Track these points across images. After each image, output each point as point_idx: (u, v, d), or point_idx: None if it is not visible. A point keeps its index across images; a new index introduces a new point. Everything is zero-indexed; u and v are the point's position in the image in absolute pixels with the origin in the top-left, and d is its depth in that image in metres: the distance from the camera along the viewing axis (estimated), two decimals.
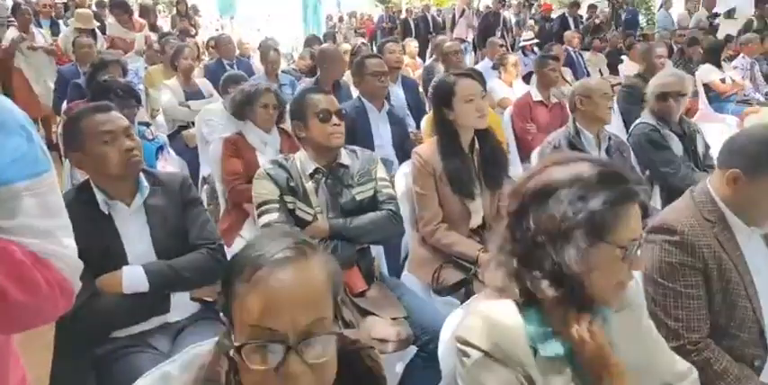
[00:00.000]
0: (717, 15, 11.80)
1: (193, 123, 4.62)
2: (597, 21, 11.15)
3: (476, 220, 2.51)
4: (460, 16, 11.57)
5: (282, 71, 5.73)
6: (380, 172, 2.31)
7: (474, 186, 2.46)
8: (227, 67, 6.06)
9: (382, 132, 3.48)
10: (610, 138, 2.98)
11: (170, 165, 2.97)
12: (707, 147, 3.19)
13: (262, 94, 3.14)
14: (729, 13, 11.76)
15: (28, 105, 6.10)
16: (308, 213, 2.17)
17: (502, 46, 6.85)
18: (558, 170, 1.19)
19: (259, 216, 2.13)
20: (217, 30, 17.56)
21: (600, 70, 8.76)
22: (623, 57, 8.21)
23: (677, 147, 3.12)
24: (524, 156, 4.14)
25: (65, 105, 4.52)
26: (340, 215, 2.19)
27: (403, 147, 3.71)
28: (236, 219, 3.07)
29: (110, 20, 6.81)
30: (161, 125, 4.84)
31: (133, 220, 1.89)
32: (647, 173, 3.17)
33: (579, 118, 2.96)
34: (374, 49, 7.75)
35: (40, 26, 6.64)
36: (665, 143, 3.09)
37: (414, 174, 2.48)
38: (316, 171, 2.19)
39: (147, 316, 1.86)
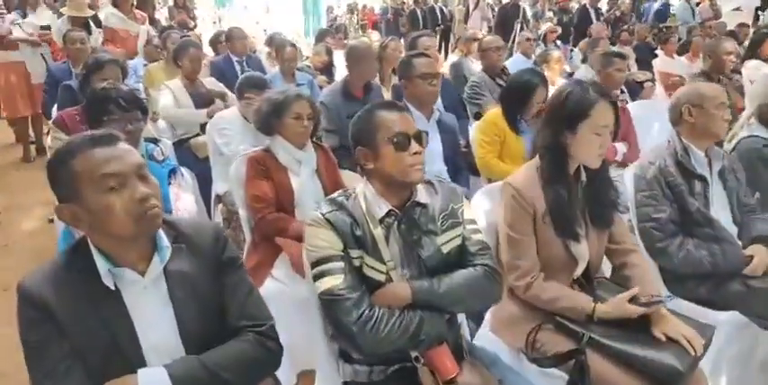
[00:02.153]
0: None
1: (202, 130, 4.07)
2: (618, 12, 10.60)
3: (581, 268, 1.98)
4: (474, 8, 11.00)
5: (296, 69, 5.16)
6: (468, 211, 1.77)
7: (579, 225, 1.93)
8: (236, 64, 5.51)
9: (432, 145, 2.93)
10: (723, 157, 2.44)
11: (184, 191, 2.42)
12: None
13: (293, 102, 2.58)
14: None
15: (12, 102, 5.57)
16: (380, 271, 1.62)
17: (528, 40, 6.26)
18: None
19: (316, 278, 1.58)
20: (214, 22, 16.97)
21: (628, 66, 8.21)
22: (657, 51, 7.62)
23: None
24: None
25: (55, 110, 3.95)
26: (419, 272, 1.65)
27: (454, 162, 3.18)
28: (265, 255, 2.52)
29: (109, 9, 6.16)
30: (163, 130, 4.27)
31: (149, 296, 1.35)
32: (757, 196, 2.63)
33: (686, 132, 2.41)
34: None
35: (25, 17, 6.01)
36: None
37: (505, 212, 1.93)
38: (387, 214, 1.65)
39: None
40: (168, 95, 4.14)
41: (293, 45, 4.77)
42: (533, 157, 2.02)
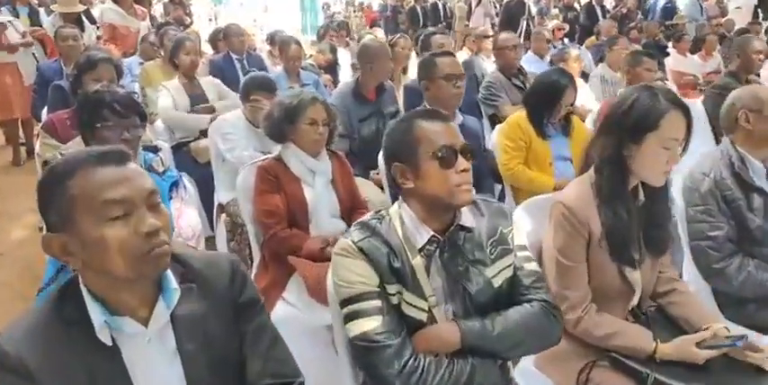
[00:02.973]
0: None
1: (203, 133, 3.82)
2: (624, 9, 10.37)
3: (636, 298, 1.75)
4: (477, 5, 10.75)
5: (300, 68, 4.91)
6: (518, 235, 1.54)
7: (635, 250, 1.70)
8: (237, 63, 5.25)
9: None
10: None
11: (188, 206, 2.17)
12: None
13: (307, 106, 2.34)
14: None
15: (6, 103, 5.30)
16: (421, 309, 1.39)
17: (542, 37, 6.01)
18: None
19: (348, 319, 1.35)
20: (210, 20, 16.69)
21: None
22: (669, 50, 7.42)
23: None
24: None
25: (45, 112, 3.70)
26: (463, 308, 1.42)
27: (478, 169, 2.94)
28: (276, 275, 2.28)
29: (107, 5, 5.86)
30: (161, 133, 4.02)
31: (154, 351, 1.11)
32: None
33: (741, 140, 2.18)
34: None
35: (17, 15, 5.74)
36: None
37: (555, 235, 1.70)
38: (428, 241, 1.41)
39: None
40: (167, 96, 3.89)
41: (298, 43, 4.51)
42: (583, 171, 1.80)
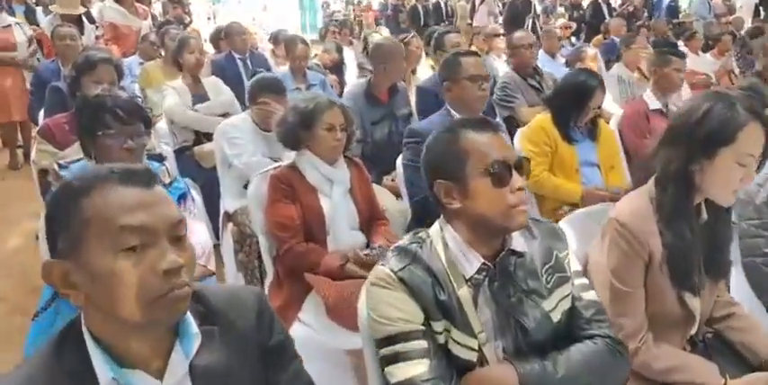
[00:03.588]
0: None
1: (206, 136, 3.65)
2: (631, 8, 10.21)
3: (696, 326, 1.58)
4: (481, 3, 10.56)
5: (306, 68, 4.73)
6: (574, 260, 1.37)
7: (697, 274, 1.53)
8: (239, 62, 5.08)
9: None
10: None
11: (196, 221, 2.00)
12: None
13: (324, 111, 2.17)
14: None
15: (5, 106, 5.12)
16: (471, 348, 1.22)
17: (552, 36, 5.84)
18: None
19: (388, 361, 1.18)
20: (209, 18, 16.50)
21: None
22: (682, 48, 7.24)
23: None
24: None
25: (42, 116, 3.53)
26: (515, 345, 1.24)
27: None
28: (292, 294, 2.11)
29: (106, 3, 5.66)
30: (163, 135, 3.84)
31: None
32: None
33: None
34: None
35: (13, 13, 5.54)
36: None
37: (609, 256, 1.52)
38: (478, 269, 1.24)
39: None
40: (173, 95, 3.71)
41: (305, 42, 4.34)
42: (640, 183, 1.62)
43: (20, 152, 5.53)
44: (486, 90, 2.51)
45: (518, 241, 1.30)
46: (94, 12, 6.09)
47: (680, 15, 10.25)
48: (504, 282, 1.26)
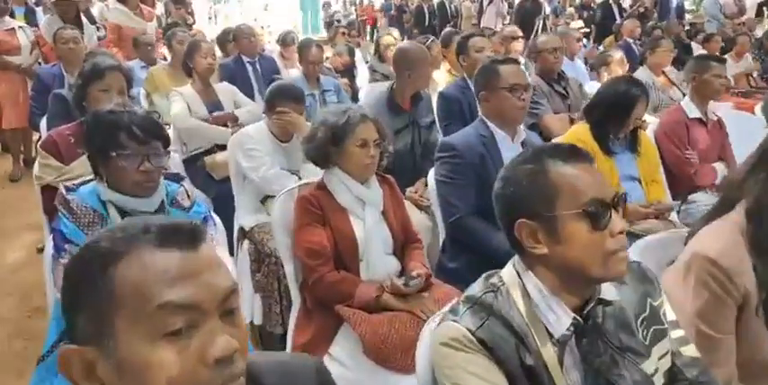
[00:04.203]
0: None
1: (218, 146, 3.45)
2: (642, 8, 10.02)
3: None
4: (489, 3, 10.37)
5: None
6: (669, 309, 1.18)
7: None
8: (249, 66, 4.90)
9: None
10: None
11: (219, 248, 1.81)
12: None
13: (357, 125, 1.98)
14: None
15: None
16: None
17: (571, 37, 5.64)
18: None
19: None
20: (210, 18, 16.30)
21: None
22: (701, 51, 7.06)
23: None
24: (678, 194, 3.04)
25: (44, 123, 3.34)
26: None
27: None
28: (322, 327, 1.91)
29: (111, 4, 5.45)
30: (172, 143, 3.64)
31: None
32: None
33: None
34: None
35: (13, 15, 5.34)
36: None
37: (695, 297, 1.34)
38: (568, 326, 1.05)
39: None
40: (180, 102, 3.51)
41: (319, 45, 4.15)
42: (722, 212, 1.44)
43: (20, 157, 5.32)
44: (526, 101, 2.32)
45: (608, 288, 1.11)
46: (95, 11, 5.91)
47: (686, 16, 10.06)
48: (594, 337, 1.08)
